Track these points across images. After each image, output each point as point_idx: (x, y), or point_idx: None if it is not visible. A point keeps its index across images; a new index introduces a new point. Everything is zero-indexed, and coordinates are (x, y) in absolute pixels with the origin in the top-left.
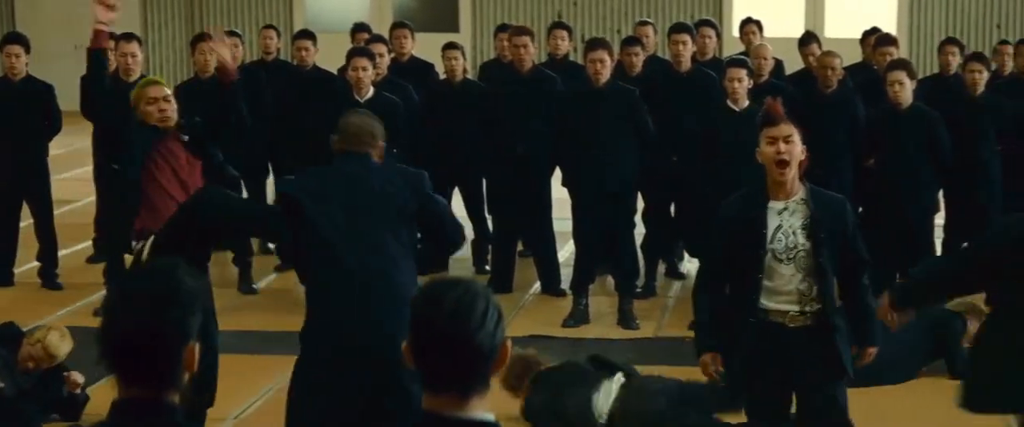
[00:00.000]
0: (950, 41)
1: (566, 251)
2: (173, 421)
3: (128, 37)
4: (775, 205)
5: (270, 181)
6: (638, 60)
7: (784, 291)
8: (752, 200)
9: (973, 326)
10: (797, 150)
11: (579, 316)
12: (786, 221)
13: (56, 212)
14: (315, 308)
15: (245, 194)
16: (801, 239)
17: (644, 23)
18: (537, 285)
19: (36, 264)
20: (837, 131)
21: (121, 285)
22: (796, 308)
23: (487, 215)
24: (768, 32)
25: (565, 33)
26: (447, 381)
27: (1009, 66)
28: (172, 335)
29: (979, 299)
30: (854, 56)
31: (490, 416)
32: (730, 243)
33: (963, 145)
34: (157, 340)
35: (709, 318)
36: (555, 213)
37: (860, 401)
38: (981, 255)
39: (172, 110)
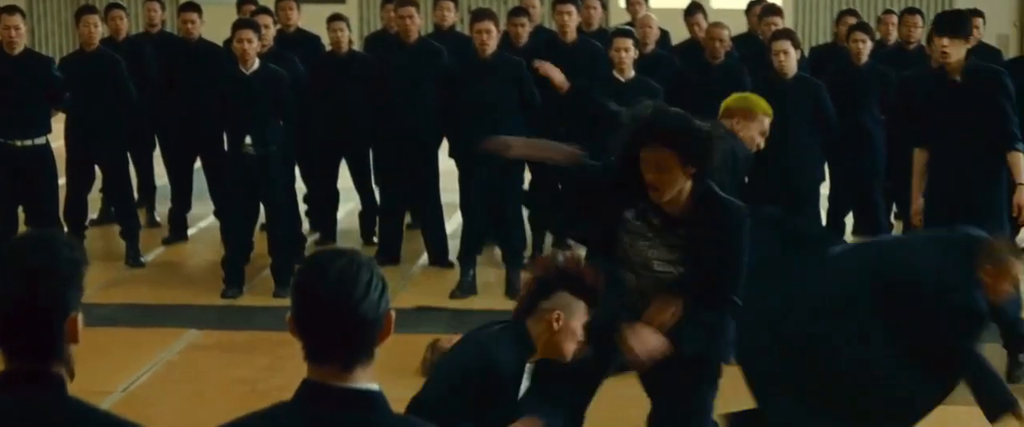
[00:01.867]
0: (849, 12)
1: (453, 223)
2: (59, 393)
3: (11, 10)
4: None
5: (157, 154)
6: (524, 31)
7: None
8: None
9: None
10: None
11: (466, 287)
12: None
13: None
14: None
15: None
16: None
17: None
18: (424, 257)
19: None
20: None
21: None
22: None
23: (374, 187)
24: (654, 3)
25: (451, 4)
26: (331, 351)
27: (893, 36)
28: (50, 307)
29: None
30: (740, 26)
31: (375, 386)
32: None
33: (847, 114)
34: (34, 312)
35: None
36: (442, 184)
37: None
38: None
39: None
